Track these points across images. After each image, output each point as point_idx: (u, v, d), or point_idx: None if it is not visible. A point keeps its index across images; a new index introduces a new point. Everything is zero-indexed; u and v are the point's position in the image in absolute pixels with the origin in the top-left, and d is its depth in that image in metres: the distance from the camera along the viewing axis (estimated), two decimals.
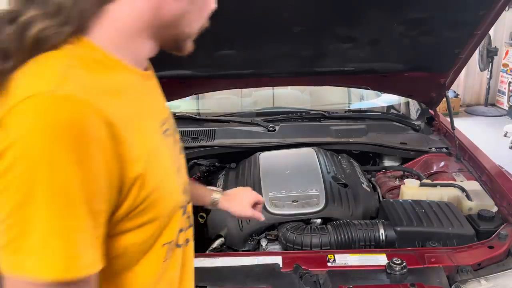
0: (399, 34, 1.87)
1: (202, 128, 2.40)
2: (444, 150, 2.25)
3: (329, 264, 1.39)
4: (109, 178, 0.59)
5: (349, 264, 1.39)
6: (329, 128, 2.38)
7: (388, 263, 1.35)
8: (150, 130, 0.70)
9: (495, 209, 1.69)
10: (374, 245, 1.55)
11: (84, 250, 0.57)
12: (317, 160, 2.00)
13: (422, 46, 1.95)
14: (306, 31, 1.78)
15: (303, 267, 1.36)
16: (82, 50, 0.63)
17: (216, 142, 2.27)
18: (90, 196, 0.57)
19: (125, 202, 0.63)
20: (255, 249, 1.67)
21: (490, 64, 6.29)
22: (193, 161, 2.23)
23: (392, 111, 2.83)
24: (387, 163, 2.34)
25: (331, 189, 1.78)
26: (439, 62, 2.11)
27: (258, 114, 2.60)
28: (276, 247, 1.64)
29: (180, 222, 0.78)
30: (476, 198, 1.75)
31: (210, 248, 1.64)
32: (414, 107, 2.75)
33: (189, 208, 0.86)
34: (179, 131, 0.89)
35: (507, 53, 6.48)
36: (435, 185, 1.86)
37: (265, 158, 2.09)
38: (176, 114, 2.50)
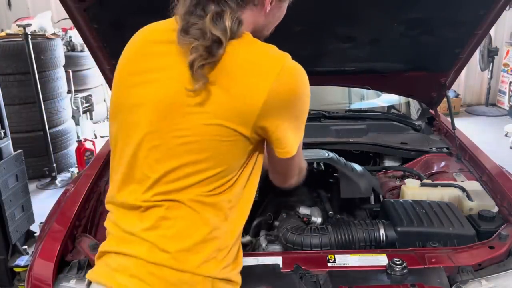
0: (399, 34, 1.87)
1: None
2: (445, 150, 2.25)
3: (329, 264, 1.39)
4: None
5: (350, 264, 1.39)
6: (329, 128, 2.38)
7: (389, 263, 1.35)
8: None
9: (495, 209, 1.68)
10: (374, 246, 1.55)
11: None
12: None
13: (422, 46, 1.95)
14: (306, 30, 1.78)
15: (303, 267, 1.36)
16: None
17: None
18: None
19: None
20: (255, 249, 1.67)
21: (491, 64, 6.30)
22: None
23: (393, 111, 2.82)
24: (387, 163, 2.33)
25: None
26: (440, 62, 2.11)
27: None
28: (276, 247, 1.63)
29: None
30: (477, 198, 1.74)
31: None
32: (415, 107, 2.75)
33: None
34: None
35: (507, 53, 6.48)
36: (435, 185, 1.86)
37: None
38: None
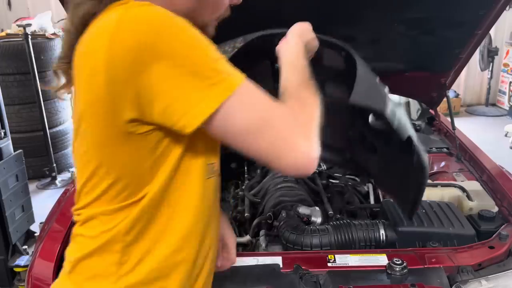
0: (399, 34, 1.87)
1: None
2: (445, 150, 2.25)
3: (329, 264, 1.38)
4: None
5: (350, 264, 1.39)
6: None
7: (389, 263, 1.35)
8: None
9: (495, 209, 1.68)
10: (374, 246, 1.54)
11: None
12: None
13: (422, 46, 1.95)
14: None
15: (303, 267, 1.36)
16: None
17: None
18: None
19: None
20: (255, 249, 1.67)
21: (491, 64, 6.29)
22: None
23: None
24: None
25: None
26: (440, 62, 2.11)
27: None
28: (276, 247, 1.63)
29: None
30: (477, 198, 1.74)
31: None
32: (415, 107, 2.75)
33: None
34: None
35: (507, 53, 6.48)
36: (435, 185, 1.86)
37: None
38: None
